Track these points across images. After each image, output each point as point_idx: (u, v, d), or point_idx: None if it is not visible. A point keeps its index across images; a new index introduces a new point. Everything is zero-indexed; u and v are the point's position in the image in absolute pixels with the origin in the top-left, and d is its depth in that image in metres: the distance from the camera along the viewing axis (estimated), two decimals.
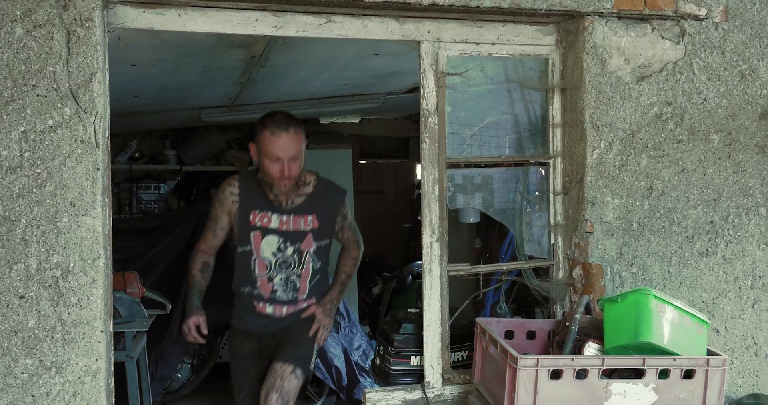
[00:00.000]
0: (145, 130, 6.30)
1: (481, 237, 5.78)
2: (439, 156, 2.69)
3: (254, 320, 2.82)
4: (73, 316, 2.18)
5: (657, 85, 2.72)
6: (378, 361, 2.86)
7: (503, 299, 3.40)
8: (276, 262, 2.73)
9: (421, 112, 2.68)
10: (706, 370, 2.17)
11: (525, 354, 2.25)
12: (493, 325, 2.51)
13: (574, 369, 2.12)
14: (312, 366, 2.82)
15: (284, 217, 2.73)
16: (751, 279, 2.80)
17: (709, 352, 2.25)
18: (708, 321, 2.29)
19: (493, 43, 2.73)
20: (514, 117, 2.92)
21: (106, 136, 2.27)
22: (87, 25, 2.19)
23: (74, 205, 2.18)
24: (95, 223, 2.19)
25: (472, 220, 5.04)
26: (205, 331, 2.76)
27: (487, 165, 2.92)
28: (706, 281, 2.76)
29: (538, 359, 2.12)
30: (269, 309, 2.79)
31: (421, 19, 2.64)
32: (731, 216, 2.78)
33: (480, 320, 2.54)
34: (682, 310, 2.21)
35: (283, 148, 2.57)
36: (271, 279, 2.76)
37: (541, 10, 2.60)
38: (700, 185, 2.75)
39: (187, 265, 2.86)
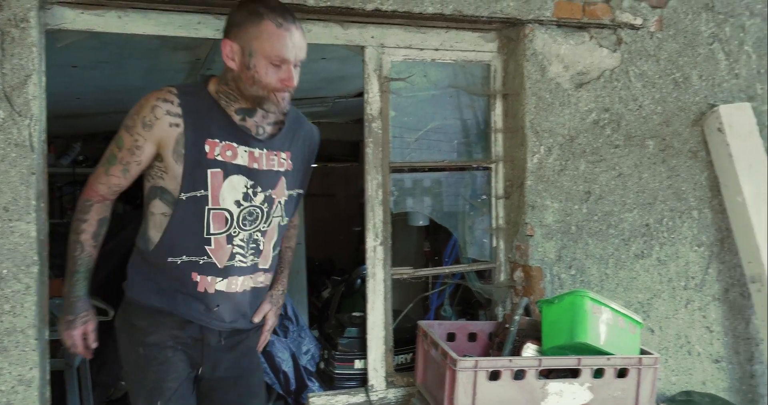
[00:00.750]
0: (88, 133, 6.18)
1: (430, 240, 5.83)
2: (383, 160, 2.71)
3: (195, 307, 1.95)
4: (6, 324, 2.12)
5: (595, 91, 2.79)
6: (323, 366, 2.87)
7: (447, 302, 3.44)
8: (240, 214, 1.94)
9: (365, 117, 2.70)
10: (639, 369, 2.23)
11: (465, 356, 2.28)
12: (435, 328, 2.54)
13: (512, 370, 2.16)
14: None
15: (256, 151, 1.95)
16: (685, 280, 2.89)
17: (643, 352, 2.32)
18: (641, 321, 2.36)
19: (437, 49, 2.77)
20: (458, 122, 2.97)
21: (43, 139, 2.23)
22: (22, 25, 2.14)
23: (8, 210, 2.12)
24: (29, 228, 2.14)
25: (421, 223, 5.08)
26: (94, 345, 2.06)
27: (430, 169, 2.95)
28: (642, 282, 2.84)
29: (477, 361, 2.15)
30: (221, 284, 1.95)
31: (365, 25, 2.66)
32: (665, 219, 2.87)
33: (422, 323, 2.56)
34: (616, 311, 2.27)
35: (294, 47, 1.84)
36: (230, 239, 1.93)
37: (482, 17, 2.65)
38: (636, 189, 2.84)
39: (72, 225, 1.98)
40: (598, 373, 2.23)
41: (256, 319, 2.12)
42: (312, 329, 5.30)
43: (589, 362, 2.20)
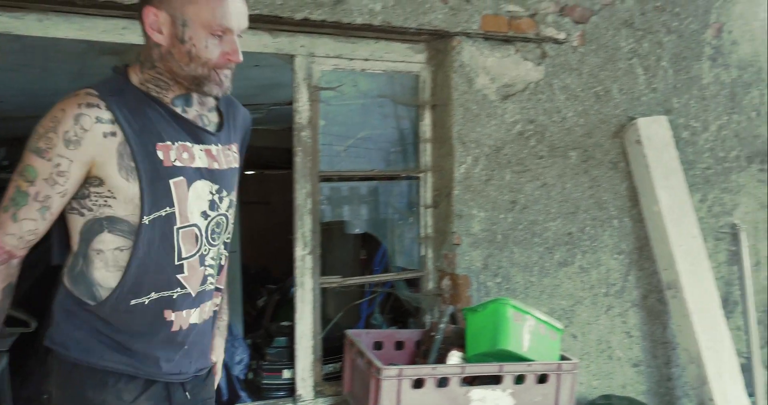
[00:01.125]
0: (14, 137, 5.98)
1: (366, 248, 5.85)
2: (312, 169, 2.72)
3: (163, 357, 1.58)
4: None
5: (520, 103, 2.86)
6: (251, 376, 2.84)
7: (378, 310, 3.46)
8: (208, 227, 1.60)
9: (294, 126, 2.70)
10: (559, 374, 2.29)
11: (391, 364, 2.30)
12: (362, 337, 2.55)
13: (436, 377, 2.19)
14: None
15: (213, 148, 1.61)
16: (605, 287, 2.98)
17: (563, 358, 2.38)
18: (561, 328, 2.42)
19: (366, 59, 2.79)
20: (388, 131, 3.00)
21: None
22: None
23: None
24: None
25: (358, 231, 5.10)
26: None
27: (360, 178, 2.97)
28: (565, 290, 2.92)
29: (401, 369, 2.18)
30: (195, 315, 1.61)
31: (295, 34, 2.66)
32: (587, 228, 2.96)
33: (349, 332, 2.57)
34: (537, 318, 2.33)
35: (237, 13, 1.54)
36: (203, 259, 1.60)
37: (411, 28, 2.69)
38: (560, 199, 2.92)
39: None
40: (520, 379, 2.28)
41: (215, 357, 1.79)
42: (246, 339, 5.25)
43: (510, 369, 2.25)
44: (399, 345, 2.65)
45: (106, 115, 1.47)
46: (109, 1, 2.29)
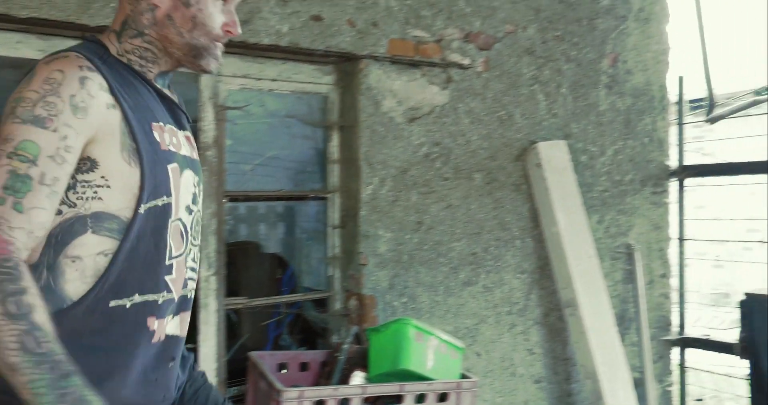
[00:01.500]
0: None
1: (283, 267, 5.82)
2: (218, 189, 2.68)
3: (142, 379, 1.28)
4: None
5: (426, 126, 2.92)
6: None
7: (286, 331, 3.43)
8: (191, 223, 1.39)
9: (199, 145, 2.66)
10: (459, 393, 2.33)
11: (294, 386, 2.28)
12: (266, 359, 2.52)
13: (337, 399, 2.19)
14: None
15: (190, 135, 1.45)
16: (509, 305, 3.06)
17: (463, 376, 2.43)
18: (462, 347, 2.47)
19: (274, 80, 2.80)
20: (296, 152, 3.00)
21: None
22: None
23: None
24: None
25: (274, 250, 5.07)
26: None
27: (268, 198, 2.96)
28: (469, 309, 2.98)
29: (302, 391, 2.16)
30: (173, 326, 1.34)
31: None
32: (491, 248, 3.04)
33: (253, 354, 2.54)
34: (438, 337, 2.37)
35: None
36: (186, 260, 1.38)
37: (318, 50, 2.71)
38: (465, 220, 2.99)
39: (17, 311, 1.05)
40: (421, 399, 2.30)
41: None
42: None
43: (411, 388, 2.27)
44: (304, 366, 2.63)
45: (105, 84, 1.23)
46: (2, 14, 2.23)
